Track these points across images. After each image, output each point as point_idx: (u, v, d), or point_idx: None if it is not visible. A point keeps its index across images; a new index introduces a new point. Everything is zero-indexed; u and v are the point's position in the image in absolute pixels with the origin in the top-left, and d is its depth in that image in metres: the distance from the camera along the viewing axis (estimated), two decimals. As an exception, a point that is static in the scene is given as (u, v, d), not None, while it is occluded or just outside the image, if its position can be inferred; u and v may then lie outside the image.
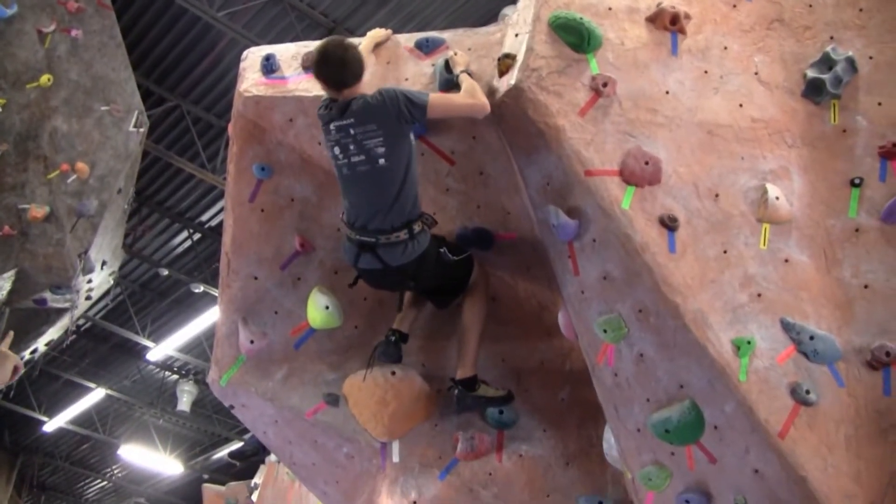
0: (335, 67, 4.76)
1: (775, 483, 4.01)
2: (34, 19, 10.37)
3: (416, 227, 4.87)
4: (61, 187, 10.57)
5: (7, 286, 10.51)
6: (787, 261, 4.28)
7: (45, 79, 10.36)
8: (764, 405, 3.98)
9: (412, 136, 4.84)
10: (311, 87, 5.23)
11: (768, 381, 4.03)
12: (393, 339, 5.34)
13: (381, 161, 4.72)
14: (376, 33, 5.30)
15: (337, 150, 4.85)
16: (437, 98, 4.72)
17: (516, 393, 5.43)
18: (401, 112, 4.65)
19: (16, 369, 4.61)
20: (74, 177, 10.63)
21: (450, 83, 4.87)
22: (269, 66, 5.46)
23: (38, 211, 10.29)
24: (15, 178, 10.36)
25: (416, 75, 5.09)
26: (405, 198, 4.80)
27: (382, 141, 4.71)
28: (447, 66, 4.89)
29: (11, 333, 4.90)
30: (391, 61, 5.24)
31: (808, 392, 4.03)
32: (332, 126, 4.83)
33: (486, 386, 5.29)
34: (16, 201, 10.29)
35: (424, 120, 4.77)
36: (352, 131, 4.75)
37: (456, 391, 5.23)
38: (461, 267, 5.24)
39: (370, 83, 5.08)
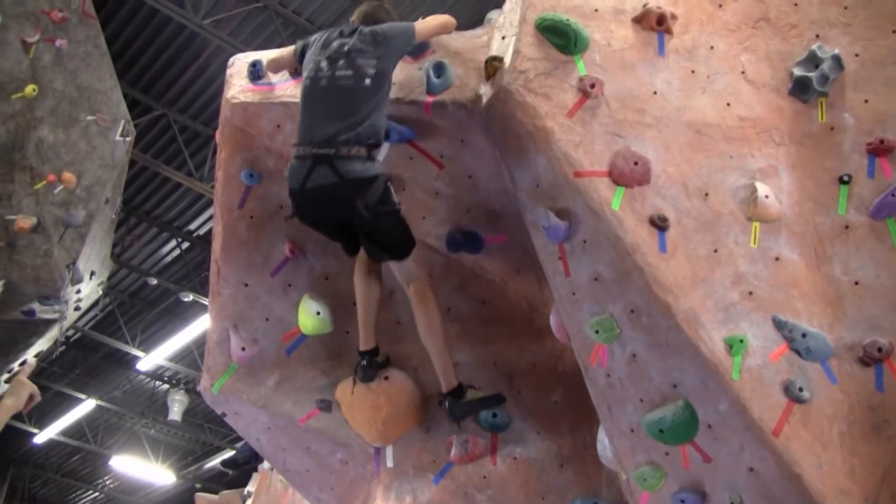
0: (365, 13, 5.25)
1: (770, 481, 4.02)
2: (18, 29, 10.33)
3: (375, 152, 4.86)
4: (48, 198, 10.53)
5: (-5, 298, 10.48)
6: (777, 259, 4.29)
7: (30, 89, 10.33)
8: (757, 403, 3.99)
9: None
10: (298, 93, 5.23)
11: (761, 380, 4.04)
12: (364, 362, 5.34)
13: (367, 81, 4.84)
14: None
15: (324, 63, 4.95)
16: (418, 24, 5.03)
17: (508, 395, 5.42)
18: (401, 45, 4.95)
19: (31, 398, 4.63)
20: (61, 187, 10.60)
21: (437, 87, 4.88)
22: (255, 72, 5.45)
23: (25, 222, 10.26)
24: (1, 189, 10.32)
25: (403, 79, 5.08)
26: (374, 120, 4.82)
27: (375, 64, 4.86)
28: (436, 68, 4.90)
29: (34, 363, 4.92)
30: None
31: (801, 389, 4.04)
32: (334, 44, 5.00)
33: (474, 390, 5.28)
34: (2, 212, 10.25)
35: (413, 46, 5.03)
36: (346, 48, 4.92)
37: (446, 403, 5.21)
38: (403, 233, 5.09)
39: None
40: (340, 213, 4.96)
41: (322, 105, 4.91)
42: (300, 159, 4.84)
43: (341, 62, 4.90)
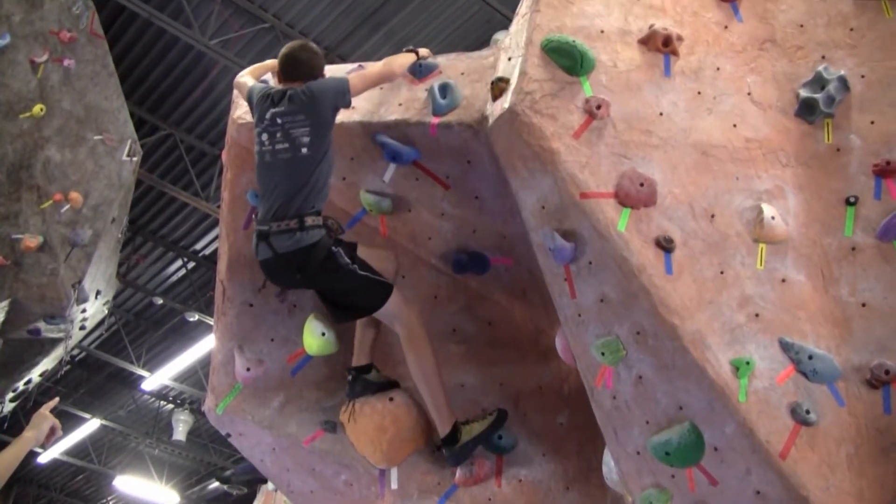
0: (291, 60, 5.15)
1: (777, 504, 3.99)
2: (27, 49, 10.37)
3: (309, 220, 4.89)
4: (55, 217, 10.54)
5: (0, 317, 10.47)
6: (784, 280, 4.27)
7: (37, 108, 10.36)
8: (764, 426, 3.97)
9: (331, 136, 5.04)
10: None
11: (768, 402, 4.01)
12: (350, 378, 5.36)
13: (304, 150, 4.91)
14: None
15: (265, 136, 5.02)
16: (353, 77, 5.05)
17: (514, 417, 5.40)
18: (333, 102, 4.96)
19: (53, 432, 4.68)
20: (68, 206, 10.60)
21: (442, 108, 4.89)
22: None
23: (31, 241, 10.26)
24: (8, 207, 10.32)
25: (409, 100, 5.10)
26: (311, 189, 4.91)
27: (308, 131, 4.92)
28: (442, 90, 4.90)
29: (56, 399, 4.99)
30: (384, 86, 5.25)
31: (808, 412, 4.02)
32: (267, 114, 5.01)
33: (470, 425, 5.23)
34: (9, 231, 10.25)
35: (350, 100, 5.01)
36: (279, 120, 4.96)
37: (445, 452, 5.21)
38: (365, 287, 5.07)
39: (363, 108, 5.13)
40: (288, 280, 5.16)
41: (267, 180, 5.03)
42: (256, 234, 5.03)
43: (278, 135, 4.97)
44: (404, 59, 5.19)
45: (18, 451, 4.52)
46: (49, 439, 4.66)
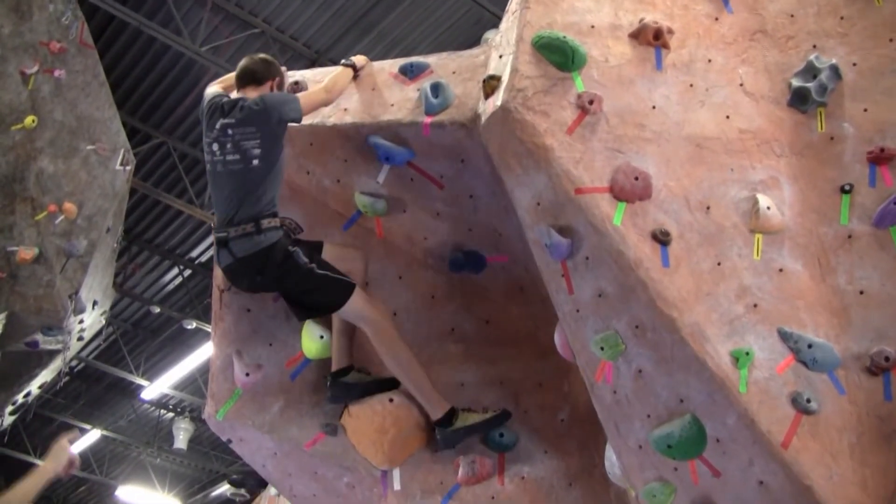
0: (246, 69, 5.30)
1: (781, 494, 3.98)
2: (17, 61, 10.36)
3: (265, 223, 4.97)
4: (49, 228, 10.52)
5: (-2, 329, 10.46)
6: (781, 270, 4.27)
7: (29, 120, 10.35)
8: (765, 416, 3.96)
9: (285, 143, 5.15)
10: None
11: (769, 392, 4.01)
12: (328, 382, 5.37)
13: (255, 161, 5.00)
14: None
15: (215, 146, 5.12)
16: (302, 97, 5.17)
17: (515, 415, 5.39)
18: (284, 116, 5.03)
19: (71, 464, 4.73)
20: (62, 217, 10.59)
21: (435, 107, 4.89)
22: (254, 97, 5.45)
23: (26, 253, 10.25)
24: (2, 220, 10.32)
25: (401, 100, 5.10)
26: (262, 194, 5.00)
27: (259, 143, 5.00)
28: (434, 89, 4.90)
29: (77, 432, 5.08)
30: (376, 87, 5.26)
31: (808, 401, 4.01)
32: (217, 124, 5.12)
33: (468, 413, 5.26)
34: (4, 244, 10.25)
35: (301, 117, 5.10)
36: (230, 131, 5.06)
37: (437, 433, 5.23)
38: (324, 286, 5.10)
39: (355, 110, 5.13)
40: (250, 283, 5.20)
41: (220, 189, 5.12)
42: (215, 241, 5.12)
43: (229, 146, 5.06)
44: (343, 79, 5.29)
45: (37, 481, 4.61)
46: (67, 471, 4.72)
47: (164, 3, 12.71)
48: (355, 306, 5.15)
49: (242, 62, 5.36)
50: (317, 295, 5.15)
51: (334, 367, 5.38)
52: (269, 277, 5.06)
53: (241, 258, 4.99)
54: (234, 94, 5.34)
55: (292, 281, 5.08)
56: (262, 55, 5.48)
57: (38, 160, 10.51)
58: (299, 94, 5.22)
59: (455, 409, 5.26)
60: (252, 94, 5.20)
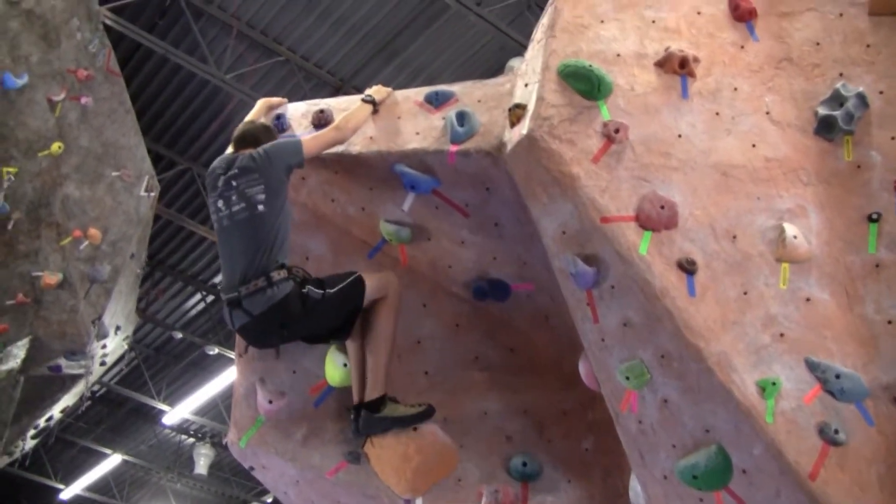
0: (244, 132, 5.36)
1: (809, 526, 3.94)
2: (45, 88, 10.44)
3: (276, 275, 4.94)
4: (74, 254, 10.57)
5: (22, 354, 10.48)
6: (808, 299, 4.24)
7: (56, 146, 10.41)
8: (793, 446, 3.92)
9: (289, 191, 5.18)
10: (324, 145, 5.29)
11: (796, 422, 3.97)
12: (352, 416, 5.32)
13: (260, 207, 5.00)
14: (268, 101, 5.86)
15: (220, 203, 5.13)
16: (307, 140, 5.19)
17: (539, 444, 5.37)
18: (287, 162, 5.08)
19: None
20: (87, 243, 10.64)
21: (460, 135, 4.90)
22: (279, 124, 5.51)
23: (51, 278, 10.29)
24: (28, 245, 10.37)
25: (426, 129, 5.11)
26: (271, 245, 4.97)
27: (263, 189, 5.02)
28: (459, 117, 4.91)
29: None
30: (402, 116, 5.27)
31: (836, 432, 3.97)
32: (220, 181, 5.14)
33: (397, 404, 5.23)
34: (29, 269, 10.29)
35: (303, 163, 5.15)
36: (234, 183, 5.08)
37: (359, 416, 5.20)
38: (345, 297, 5.10)
39: (381, 138, 5.15)
40: (274, 339, 5.18)
41: (229, 244, 5.12)
42: (226, 305, 5.07)
43: (234, 197, 5.07)
44: (361, 114, 5.27)
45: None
46: None
47: (189, 30, 12.85)
48: (370, 293, 5.18)
49: (242, 127, 5.45)
50: (342, 310, 5.14)
51: (356, 399, 5.32)
52: (297, 327, 5.07)
53: (258, 315, 4.94)
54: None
55: (318, 318, 5.07)
56: (262, 122, 5.56)
57: (64, 186, 10.57)
58: (307, 137, 5.25)
59: (387, 395, 5.22)
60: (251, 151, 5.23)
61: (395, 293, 5.32)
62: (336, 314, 5.14)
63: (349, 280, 5.13)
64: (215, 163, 5.31)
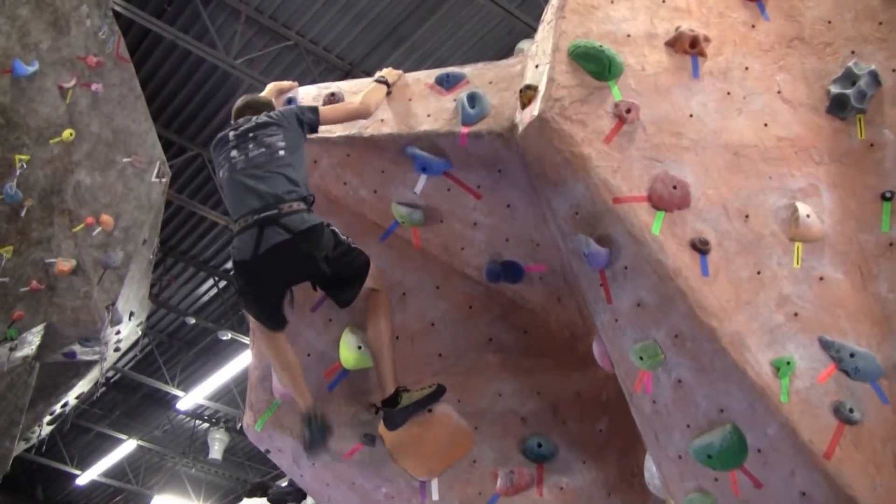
0: (246, 102, 5.46)
1: (823, 505, 3.95)
2: (55, 76, 10.44)
3: (308, 203, 5.00)
4: (87, 240, 10.59)
5: (36, 341, 10.52)
6: (821, 279, 4.24)
7: (67, 133, 10.41)
8: (807, 426, 3.93)
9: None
10: (335, 128, 5.29)
11: (810, 401, 3.98)
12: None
13: (281, 152, 5.03)
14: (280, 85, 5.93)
15: (234, 152, 5.13)
16: (326, 108, 5.30)
17: (553, 425, 5.38)
18: (300, 118, 5.15)
19: None
20: (99, 229, 10.66)
21: (472, 117, 4.89)
22: (290, 109, 5.50)
23: (64, 265, 10.31)
24: (41, 232, 10.39)
25: (437, 111, 5.11)
26: (299, 178, 5.01)
27: (282, 138, 5.05)
28: (471, 99, 4.90)
29: None
30: (413, 98, 5.27)
31: (851, 410, 3.97)
32: (231, 136, 5.19)
33: (410, 392, 5.27)
34: (42, 256, 10.32)
35: (318, 123, 5.20)
36: (251, 134, 5.11)
37: (384, 413, 5.27)
38: (358, 255, 5.14)
39: (392, 120, 5.15)
40: (299, 268, 5.04)
41: (247, 181, 5.03)
42: (245, 230, 4.94)
43: (251, 145, 5.09)
44: (378, 94, 5.31)
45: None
46: None
47: (198, 16, 12.82)
48: (371, 274, 5.20)
49: (245, 97, 5.53)
50: (355, 270, 5.13)
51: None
52: (319, 261, 4.93)
53: (297, 234, 4.85)
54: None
55: (338, 259, 5.02)
56: (262, 97, 5.63)
57: (76, 173, 10.58)
58: (328, 107, 5.32)
59: (399, 388, 5.28)
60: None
61: (385, 291, 5.41)
62: (348, 266, 5.11)
63: (362, 256, 5.16)
64: (221, 134, 5.33)
